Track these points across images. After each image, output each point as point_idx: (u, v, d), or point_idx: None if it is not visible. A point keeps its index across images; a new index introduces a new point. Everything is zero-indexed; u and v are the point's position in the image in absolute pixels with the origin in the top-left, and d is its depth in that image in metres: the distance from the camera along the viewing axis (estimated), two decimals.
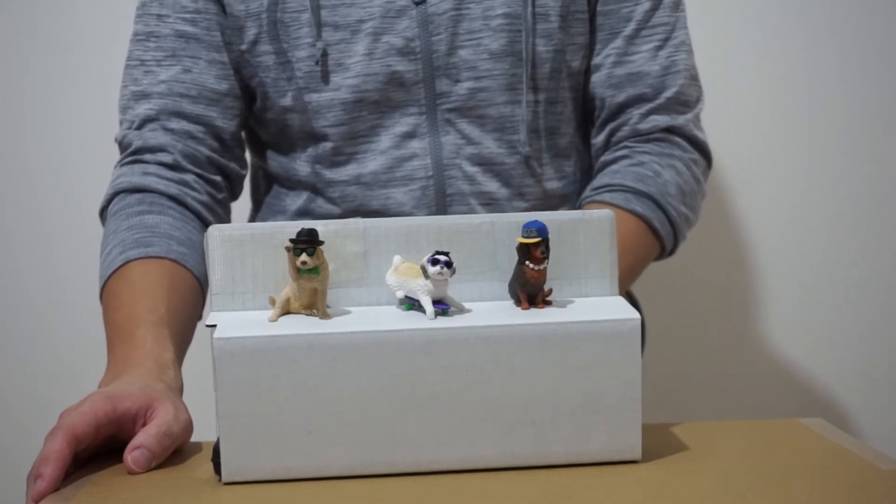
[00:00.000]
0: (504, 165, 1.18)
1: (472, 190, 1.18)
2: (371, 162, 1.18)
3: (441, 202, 1.17)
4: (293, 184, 1.23)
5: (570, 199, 1.24)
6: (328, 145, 1.18)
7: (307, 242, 0.81)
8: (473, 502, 0.76)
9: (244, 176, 1.25)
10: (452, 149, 1.17)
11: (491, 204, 1.19)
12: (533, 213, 0.86)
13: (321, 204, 1.21)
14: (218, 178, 1.19)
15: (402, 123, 1.17)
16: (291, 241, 0.82)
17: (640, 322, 0.80)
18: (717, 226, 1.69)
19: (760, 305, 1.71)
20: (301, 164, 1.21)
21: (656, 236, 1.17)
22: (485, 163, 1.18)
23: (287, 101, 1.18)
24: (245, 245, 0.85)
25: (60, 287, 1.67)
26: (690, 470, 0.81)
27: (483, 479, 0.79)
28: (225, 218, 1.22)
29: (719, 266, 1.71)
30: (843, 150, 1.68)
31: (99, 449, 0.86)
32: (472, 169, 1.17)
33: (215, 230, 0.85)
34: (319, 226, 0.84)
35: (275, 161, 1.25)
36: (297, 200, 1.23)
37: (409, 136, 1.17)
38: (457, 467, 0.80)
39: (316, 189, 1.21)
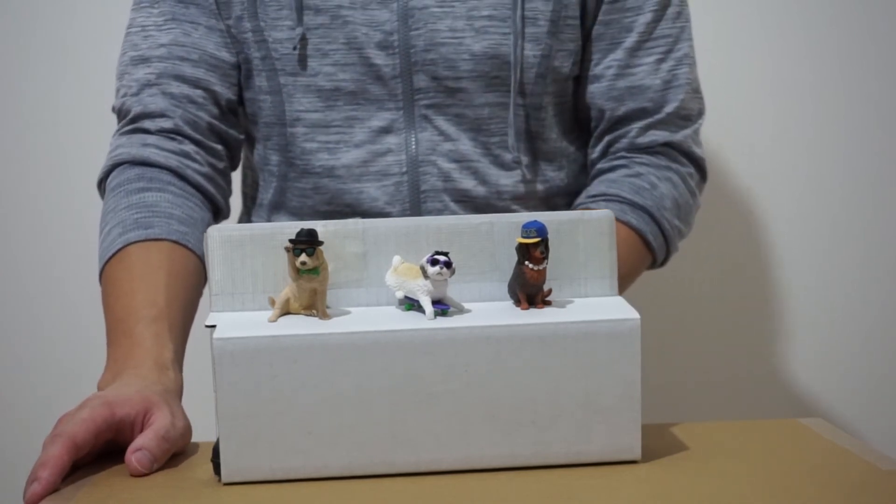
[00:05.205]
0: (480, 163, 1.16)
1: (447, 187, 1.16)
2: (345, 155, 1.16)
3: (415, 198, 1.15)
4: (266, 175, 1.21)
5: (551, 202, 1.21)
6: (299, 131, 1.16)
7: (307, 243, 0.81)
8: (473, 502, 0.76)
9: (242, 143, 1.23)
10: (429, 145, 1.15)
11: (466, 202, 1.16)
12: (532, 213, 0.86)
13: (291, 198, 1.19)
14: (219, 147, 1.18)
15: (379, 118, 1.15)
16: (291, 241, 0.82)
17: (639, 322, 0.80)
18: (718, 227, 1.68)
19: (760, 305, 1.71)
20: (272, 153, 1.19)
21: (648, 248, 1.17)
22: (461, 160, 1.16)
23: (261, 81, 1.17)
24: (245, 246, 0.85)
25: (60, 287, 1.67)
26: (690, 470, 0.81)
27: (483, 479, 0.79)
28: (226, 188, 1.21)
29: (719, 266, 1.71)
30: (844, 153, 1.68)
31: (96, 454, 0.86)
32: (447, 165, 1.15)
33: (215, 231, 0.85)
34: (319, 226, 0.84)
35: (255, 149, 1.23)
36: (268, 192, 1.21)
37: (385, 130, 1.15)
38: (457, 467, 0.80)
39: (287, 179, 1.19)
